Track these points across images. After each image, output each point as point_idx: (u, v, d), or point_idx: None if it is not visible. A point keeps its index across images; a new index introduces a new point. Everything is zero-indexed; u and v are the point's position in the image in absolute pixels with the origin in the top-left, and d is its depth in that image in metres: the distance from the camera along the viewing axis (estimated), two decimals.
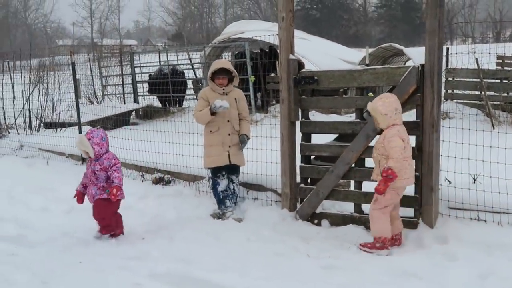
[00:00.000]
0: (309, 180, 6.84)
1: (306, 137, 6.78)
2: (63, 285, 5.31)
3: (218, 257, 5.80)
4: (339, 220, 6.48)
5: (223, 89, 7.07)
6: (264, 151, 7.57)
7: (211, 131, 7.06)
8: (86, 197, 6.57)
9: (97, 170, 6.41)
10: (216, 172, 7.13)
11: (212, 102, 6.88)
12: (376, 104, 5.71)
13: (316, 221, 6.59)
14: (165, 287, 5.23)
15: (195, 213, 7.32)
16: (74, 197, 6.60)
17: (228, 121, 7.03)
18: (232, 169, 7.16)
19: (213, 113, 6.89)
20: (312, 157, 6.90)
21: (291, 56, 6.67)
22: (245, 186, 7.57)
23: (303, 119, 6.77)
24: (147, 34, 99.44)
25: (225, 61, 7.45)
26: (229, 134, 7.03)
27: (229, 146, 7.01)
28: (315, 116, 12.39)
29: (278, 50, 14.92)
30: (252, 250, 5.94)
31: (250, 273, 5.32)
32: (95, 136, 6.44)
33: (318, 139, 6.88)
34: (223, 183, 7.14)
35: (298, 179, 6.87)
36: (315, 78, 6.56)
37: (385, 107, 5.66)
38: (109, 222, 6.48)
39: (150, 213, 7.43)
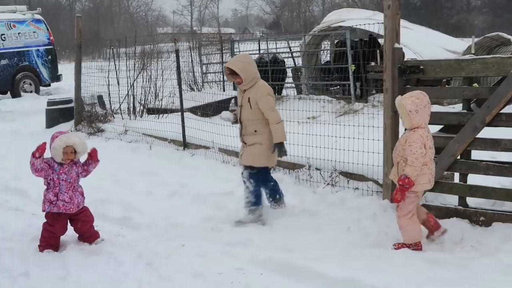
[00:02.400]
0: None
1: None
2: (167, 267, 5.45)
3: (317, 246, 5.81)
4: (442, 213, 6.32)
5: (240, 88, 6.76)
6: (363, 141, 7.47)
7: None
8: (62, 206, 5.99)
9: (80, 173, 6.16)
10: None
11: (238, 100, 6.87)
12: (404, 101, 5.45)
13: None
14: (266, 273, 5.29)
15: (295, 201, 7.34)
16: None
17: (241, 122, 6.81)
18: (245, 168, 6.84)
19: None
20: None
21: (396, 45, 6.55)
22: (346, 175, 7.52)
23: None
24: (245, 23, 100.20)
25: (235, 57, 7.06)
26: (240, 135, 6.89)
27: (244, 148, 6.82)
28: None
29: (379, 39, 14.77)
30: (352, 240, 5.91)
31: (350, 264, 5.29)
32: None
33: None
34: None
35: None
36: (421, 67, 6.41)
37: (414, 105, 5.40)
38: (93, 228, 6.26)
39: None
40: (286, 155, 6.73)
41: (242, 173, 6.85)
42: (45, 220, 6.07)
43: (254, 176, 6.73)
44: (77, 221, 6.10)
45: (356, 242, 5.86)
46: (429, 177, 5.56)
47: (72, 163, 6.03)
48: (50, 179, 5.97)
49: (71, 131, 13.02)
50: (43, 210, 6.04)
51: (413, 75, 6.48)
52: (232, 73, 6.56)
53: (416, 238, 5.62)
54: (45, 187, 6.07)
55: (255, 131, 6.64)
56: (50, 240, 6.01)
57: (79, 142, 6.03)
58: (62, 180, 5.96)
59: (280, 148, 6.60)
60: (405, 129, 5.60)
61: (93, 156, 6.18)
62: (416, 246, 5.61)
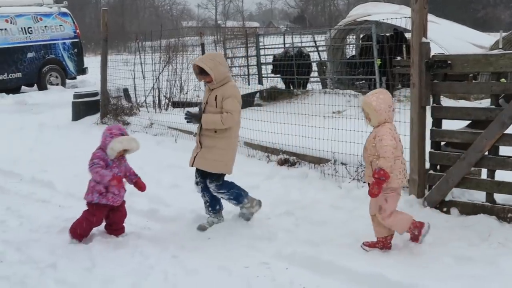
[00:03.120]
0: (438, 167, 6.66)
1: (437, 123, 6.60)
2: (193, 260, 5.49)
3: (343, 241, 5.79)
4: (469, 209, 6.27)
5: (208, 86, 6.34)
6: None
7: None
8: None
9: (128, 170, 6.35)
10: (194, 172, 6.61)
11: (204, 98, 6.47)
12: (369, 99, 5.42)
13: (444, 209, 6.42)
14: (291, 267, 5.30)
15: (320, 195, 7.33)
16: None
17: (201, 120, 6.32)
18: (204, 174, 6.43)
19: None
20: (443, 143, 6.72)
21: (424, 39, 6.50)
22: None
23: (434, 104, 6.60)
24: (270, 17, 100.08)
25: (205, 55, 6.50)
26: (196, 135, 6.51)
27: (200, 148, 6.36)
28: (442, 101, 12.00)
29: (405, 33, 14.67)
30: None
31: (375, 260, 5.28)
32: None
33: (448, 125, 6.69)
34: (196, 188, 6.57)
35: (427, 165, 6.71)
36: (448, 62, 6.35)
37: (379, 102, 5.37)
38: None
39: (275, 194, 7.50)
40: (186, 121, 6.44)
41: (202, 183, 6.46)
42: (85, 209, 6.13)
43: (223, 187, 6.39)
44: (117, 212, 6.20)
45: None
46: (403, 172, 5.51)
47: (121, 157, 6.18)
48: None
49: (97, 124, 13.13)
50: (91, 201, 6.06)
51: (441, 69, 6.42)
52: (202, 72, 6.16)
53: (408, 223, 5.54)
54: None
55: (215, 131, 6.24)
56: (86, 229, 6.09)
57: (136, 148, 6.22)
58: (114, 173, 6.04)
59: (191, 118, 6.35)
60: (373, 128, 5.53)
61: (140, 188, 6.34)
62: (416, 227, 5.53)
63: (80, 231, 6.05)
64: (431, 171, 6.64)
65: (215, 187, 6.34)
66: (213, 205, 6.52)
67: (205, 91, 6.52)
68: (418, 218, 6.13)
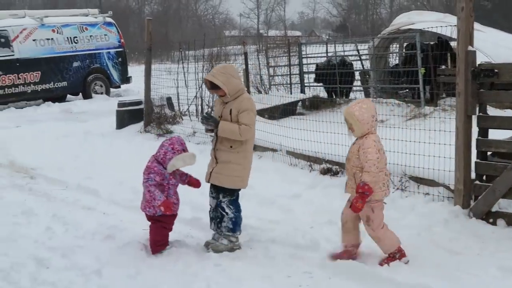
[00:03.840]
0: (484, 177, 6.56)
1: (483, 132, 6.51)
2: (235, 269, 5.51)
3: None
4: None
5: (222, 100, 6.15)
6: (435, 145, 7.33)
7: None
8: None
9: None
10: (209, 187, 6.37)
11: (216, 111, 6.25)
12: (352, 109, 5.35)
13: (491, 220, 6.30)
14: (334, 277, 5.29)
15: None
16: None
17: (217, 135, 6.12)
18: (219, 188, 6.19)
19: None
20: (489, 153, 6.62)
21: (470, 48, 6.42)
22: (416, 180, 7.40)
23: (480, 113, 6.51)
24: (312, 25, 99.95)
25: (215, 69, 6.19)
26: (214, 149, 6.22)
27: (216, 163, 6.16)
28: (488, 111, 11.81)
29: (449, 42, 14.49)
30: (424, 246, 5.82)
31: (420, 270, 5.24)
32: None
33: (494, 134, 6.59)
34: (211, 201, 6.31)
35: (473, 175, 6.61)
36: (495, 71, 6.27)
37: (362, 112, 5.30)
38: None
39: (318, 203, 7.48)
40: (207, 129, 6.22)
41: (218, 199, 6.20)
42: (154, 224, 6.05)
43: (235, 203, 6.20)
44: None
45: (427, 248, 5.77)
46: (387, 183, 5.47)
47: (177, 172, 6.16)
48: (160, 184, 6.00)
49: (141, 132, 13.26)
50: (154, 214, 5.96)
51: (487, 78, 6.34)
52: (214, 86, 6.00)
53: (396, 243, 5.51)
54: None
55: (231, 146, 6.05)
56: (165, 240, 6.09)
57: (194, 163, 6.03)
58: (172, 184, 6.08)
59: (207, 119, 6.14)
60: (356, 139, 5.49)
61: (194, 185, 6.32)
62: (399, 252, 5.49)
63: (161, 245, 6.04)
64: (477, 182, 6.54)
65: (228, 201, 6.15)
66: (222, 223, 6.22)
67: (216, 104, 6.36)
68: (464, 230, 6.07)
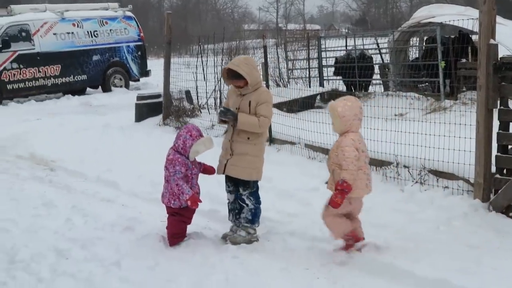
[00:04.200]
0: (505, 171, 6.51)
1: (504, 126, 6.46)
2: (253, 261, 5.53)
3: (405, 244, 5.72)
4: None
5: (239, 91, 6.09)
6: (455, 139, 7.28)
7: (224, 133, 6.32)
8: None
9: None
10: (225, 181, 6.34)
11: (233, 103, 6.13)
12: (336, 105, 5.36)
13: (511, 214, 6.25)
14: (352, 270, 5.27)
15: (381, 198, 7.22)
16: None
17: (232, 125, 6.09)
18: (238, 182, 6.17)
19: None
20: (510, 147, 6.56)
21: (492, 41, 6.36)
22: (435, 174, 7.36)
23: (502, 107, 6.45)
24: (331, 19, 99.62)
25: (237, 60, 6.13)
26: (229, 141, 6.11)
27: (230, 155, 6.08)
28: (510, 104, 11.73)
29: (472, 36, 14.37)
30: (443, 240, 5.79)
31: (440, 264, 5.20)
32: None
33: None
34: (229, 196, 6.33)
35: (493, 169, 6.56)
36: None
37: (345, 109, 5.31)
38: None
39: None
40: (221, 120, 6.11)
41: (236, 192, 6.23)
42: (174, 216, 6.04)
43: (255, 194, 6.17)
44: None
45: (446, 242, 5.74)
46: (365, 182, 5.45)
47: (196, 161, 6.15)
48: (185, 175, 5.99)
49: (159, 125, 13.30)
50: (179, 206, 5.96)
51: (509, 72, 6.29)
52: (234, 76, 5.97)
53: (345, 229, 5.55)
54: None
55: (248, 138, 6.02)
56: (182, 233, 6.11)
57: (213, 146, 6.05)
58: (194, 174, 6.08)
59: (225, 112, 5.97)
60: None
61: (209, 172, 6.28)
62: (351, 237, 5.57)
63: (180, 237, 6.07)
64: (497, 175, 6.49)
65: (249, 194, 6.14)
66: (242, 214, 6.25)
67: (231, 96, 6.27)
68: (484, 224, 6.02)
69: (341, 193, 5.24)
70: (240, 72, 5.88)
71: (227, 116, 6.00)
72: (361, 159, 5.38)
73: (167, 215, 6.13)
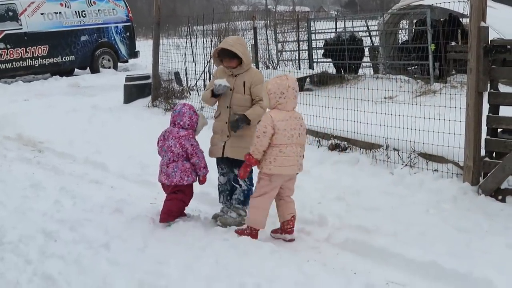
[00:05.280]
0: (494, 154, 6.53)
1: (494, 109, 6.46)
2: (244, 243, 5.48)
3: (395, 227, 5.72)
4: None
5: (231, 71, 6.04)
6: (445, 122, 7.28)
7: (215, 116, 6.26)
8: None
9: None
10: (217, 163, 6.34)
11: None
12: (269, 81, 5.48)
13: (500, 197, 6.28)
14: (342, 253, 5.29)
15: (371, 181, 7.25)
16: None
17: (228, 107, 6.03)
18: (233, 163, 6.13)
19: (216, 95, 6.05)
20: (499, 130, 6.57)
21: (482, 24, 6.34)
22: (425, 157, 7.36)
23: (492, 90, 6.45)
24: (320, 1, 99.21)
25: (231, 39, 6.07)
26: (227, 123, 6.05)
27: (227, 136, 6.06)
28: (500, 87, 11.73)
29: (462, 19, 14.35)
30: (432, 223, 5.79)
31: (429, 247, 5.20)
32: None
33: (505, 111, 6.55)
34: (221, 178, 6.32)
35: (483, 152, 6.57)
36: (508, 47, 6.20)
37: (273, 86, 5.37)
38: None
39: (326, 179, 7.45)
40: (233, 131, 5.99)
41: (229, 174, 6.25)
42: (176, 194, 6.12)
43: (249, 175, 6.07)
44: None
45: (436, 225, 5.75)
46: (283, 161, 5.41)
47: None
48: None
49: (148, 107, 13.23)
50: (193, 181, 6.14)
51: (499, 55, 6.28)
52: (227, 55, 5.93)
53: (257, 225, 5.60)
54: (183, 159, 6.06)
55: None
56: (178, 213, 6.16)
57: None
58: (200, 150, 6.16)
59: (237, 123, 5.90)
60: None
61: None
62: (252, 232, 5.61)
63: (176, 215, 6.10)
64: (487, 158, 6.50)
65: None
66: (235, 195, 6.27)
67: (219, 77, 6.11)
68: (473, 207, 6.05)
69: (244, 165, 5.57)
70: (236, 52, 5.85)
71: (241, 126, 5.93)
72: (280, 138, 5.38)
73: (163, 197, 6.19)
